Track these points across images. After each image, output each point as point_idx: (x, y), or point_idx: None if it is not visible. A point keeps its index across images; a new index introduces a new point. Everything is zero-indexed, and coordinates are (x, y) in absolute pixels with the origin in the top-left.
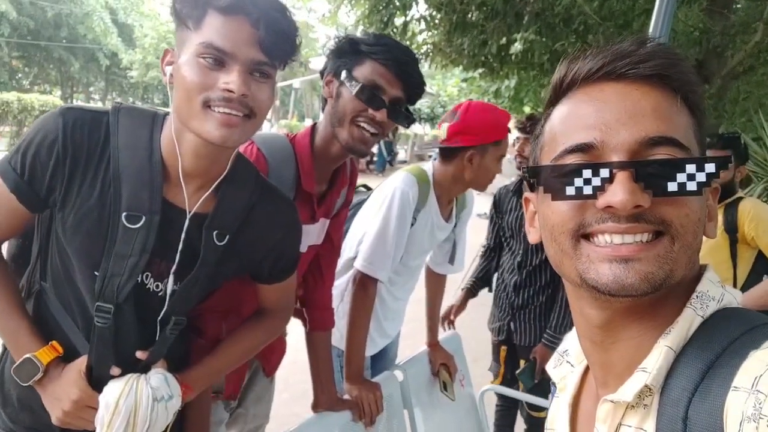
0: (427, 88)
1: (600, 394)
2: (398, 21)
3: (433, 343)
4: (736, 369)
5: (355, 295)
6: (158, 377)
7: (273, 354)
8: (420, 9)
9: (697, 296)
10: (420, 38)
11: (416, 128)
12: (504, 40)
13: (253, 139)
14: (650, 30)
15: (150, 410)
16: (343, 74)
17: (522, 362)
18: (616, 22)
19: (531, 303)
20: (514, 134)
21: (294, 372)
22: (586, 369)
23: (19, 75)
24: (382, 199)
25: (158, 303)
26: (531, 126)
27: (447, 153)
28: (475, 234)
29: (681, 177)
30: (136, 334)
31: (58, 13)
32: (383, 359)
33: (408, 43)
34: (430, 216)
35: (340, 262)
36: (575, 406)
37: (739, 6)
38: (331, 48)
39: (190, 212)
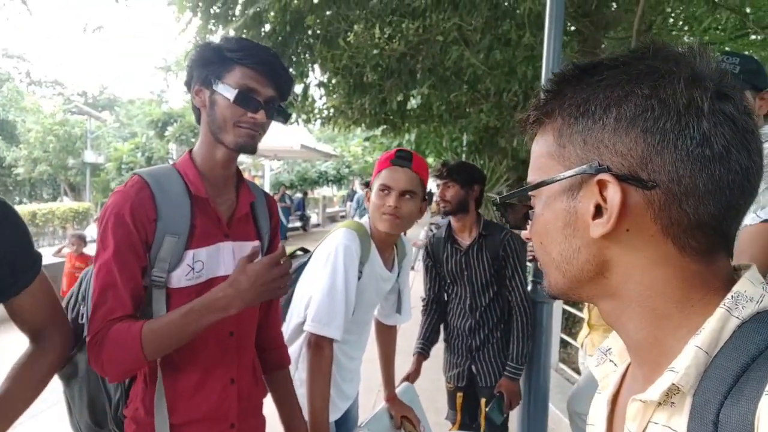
0: (331, 150)
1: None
2: (297, 88)
3: (392, 397)
4: None
5: (311, 360)
6: None
7: None
8: (317, 75)
9: (732, 297)
10: (320, 103)
11: (325, 191)
12: (401, 97)
13: (134, 172)
14: (543, 74)
15: None
16: (214, 82)
17: (483, 401)
18: (502, 70)
19: (489, 341)
20: (432, 183)
21: None
22: (627, 367)
23: None
24: (326, 257)
25: None
26: (447, 171)
27: None
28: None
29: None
30: None
31: None
32: (346, 422)
33: (309, 108)
34: (374, 268)
35: (289, 328)
36: (614, 403)
37: (604, 46)
38: (194, 58)
39: None
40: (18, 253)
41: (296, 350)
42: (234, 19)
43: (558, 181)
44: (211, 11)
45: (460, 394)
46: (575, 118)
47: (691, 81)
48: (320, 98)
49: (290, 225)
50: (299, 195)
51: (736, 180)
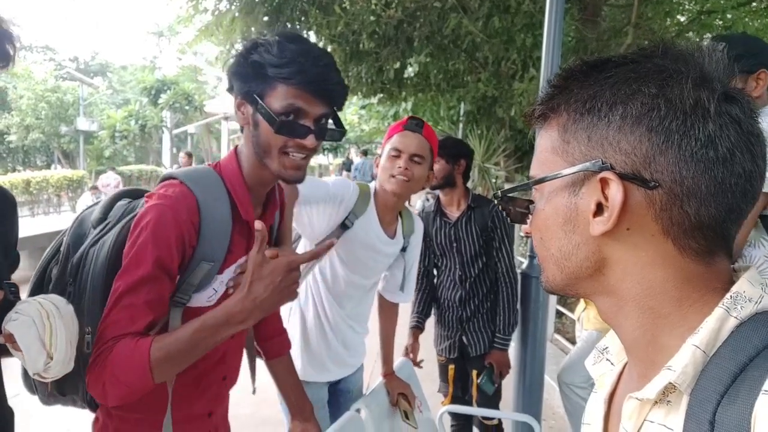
0: None
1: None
2: None
3: (389, 373)
4: (767, 373)
5: None
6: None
7: None
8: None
9: (731, 297)
10: None
11: (320, 159)
12: (398, 65)
13: (177, 176)
14: (544, 41)
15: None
16: (257, 103)
17: (475, 373)
18: (501, 38)
19: (479, 312)
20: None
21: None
22: (624, 366)
23: None
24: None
25: None
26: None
27: None
28: None
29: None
30: None
31: None
32: (345, 391)
33: None
34: (369, 225)
35: None
36: (610, 402)
37: (604, 13)
38: (233, 71)
39: None
40: (14, 246)
41: None
42: None
43: (561, 177)
44: None
45: (452, 366)
46: (581, 114)
47: (699, 82)
48: None
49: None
50: None
51: (738, 183)
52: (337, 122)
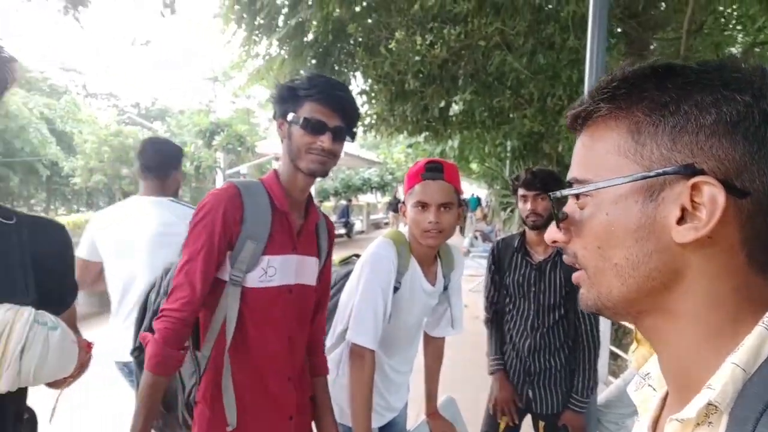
0: (374, 157)
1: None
2: None
3: (433, 412)
4: None
5: (351, 367)
6: (43, 312)
7: None
8: (359, 83)
9: None
10: (362, 110)
11: (368, 197)
12: (443, 103)
13: (228, 180)
14: (586, 77)
15: (28, 327)
16: (290, 117)
17: (542, 425)
18: (546, 75)
19: (549, 366)
20: (479, 190)
21: None
22: (667, 392)
23: None
24: (361, 267)
25: None
26: (541, 183)
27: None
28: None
29: (567, 207)
30: None
31: None
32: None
33: None
34: (415, 280)
35: (334, 334)
36: (654, 428)
37: (653, 47)
38: (275, 96)
39: None
40: (71, 277)
41: (338, 355)
42: (278, 29)
43: (635, 180)
44: (255, 22)
45: (504, 419)
46: (662, 116)
47: None
48: (362, 106)
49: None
50: (343, 202)
51: None
52: (350, 134)
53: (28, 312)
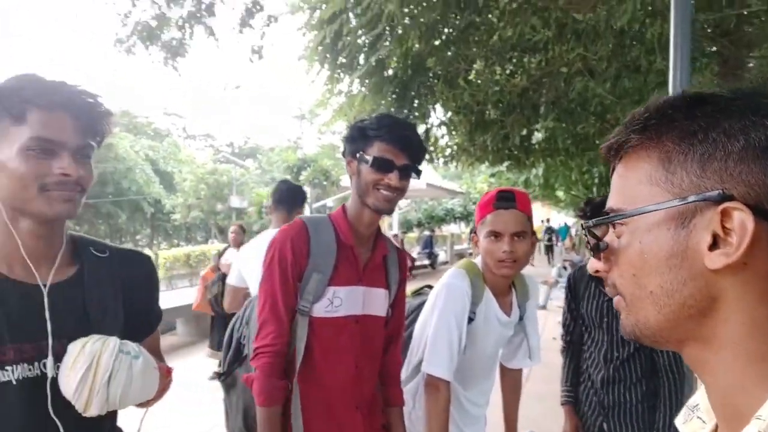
0: (457, 188)
1: None
2: (419, 129)
3: None
4: None
5: (427, 399)
6: (126, 341)
7: None
8: (438, 115)
9: None
10: (443, 142)
11: (452, 228)
12: (524, 132)
13: (300, 217)
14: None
15: (114, 358)
16: (359, 155)
17: None
18: (632, 99)
19: (625, 401)
20: (568, 218)
21: None
22: (716, 424)
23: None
24: (434, 297)
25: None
26: (591, 210)
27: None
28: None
29: (607, 236)
30: None
31: (103, 171)
32: None
33: (432, 148)
34: (490, 311)
35: (409, 365)
36: None
37: (751, 65)
38: (346, 136)
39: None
40: (156, 303)
41: (414, 386)
42: (359, 67)
43: (666, 208)
44: (338, 62)
45: None
46: (690, 144)
47: None
48: (441, 137)
49: (418, 263)
50: (427, 233)
51: None
52: (416, 171)
53: (113, 342)
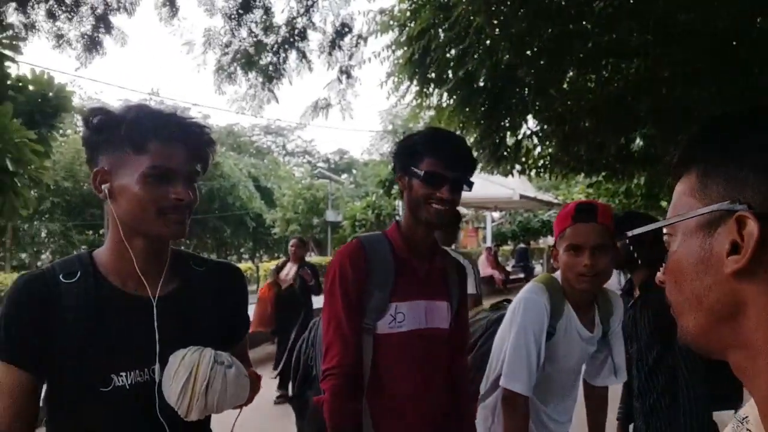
0: (552, 198)
1: None
2: (510, 140)
3: None
4: None
5: (504, 414)
6: (221, 352)
7: None
8: (530, 125)
9: None
10: (535, 152)
11: (549, 240)
12: (622, 141)
13: (356, 236)
14: None
15: (210, 368)
16: (410, 171)
17: None
18: (738, 102)
19: (657, 409)
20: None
21: None
22: None
23: (182, 247)
24: (513, 312)
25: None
26: (618, 224)
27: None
28: None
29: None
30: None
31: (210, 188)
32: None
33: (523, 159)
34: (571, 326)
35: (488, 380)
36: None
37: None
38: (395, 152)
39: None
40: (245, 313)
41: (493, 402)
42: (448, 80)
43: (695, 216)
44: (427, 76)
45: None
46: (721, 158)
47: None
48: (534, 148)
49: (512, 276)
50: (522, 246)
51: None
52: (467, 183)
53: (209, 353)
